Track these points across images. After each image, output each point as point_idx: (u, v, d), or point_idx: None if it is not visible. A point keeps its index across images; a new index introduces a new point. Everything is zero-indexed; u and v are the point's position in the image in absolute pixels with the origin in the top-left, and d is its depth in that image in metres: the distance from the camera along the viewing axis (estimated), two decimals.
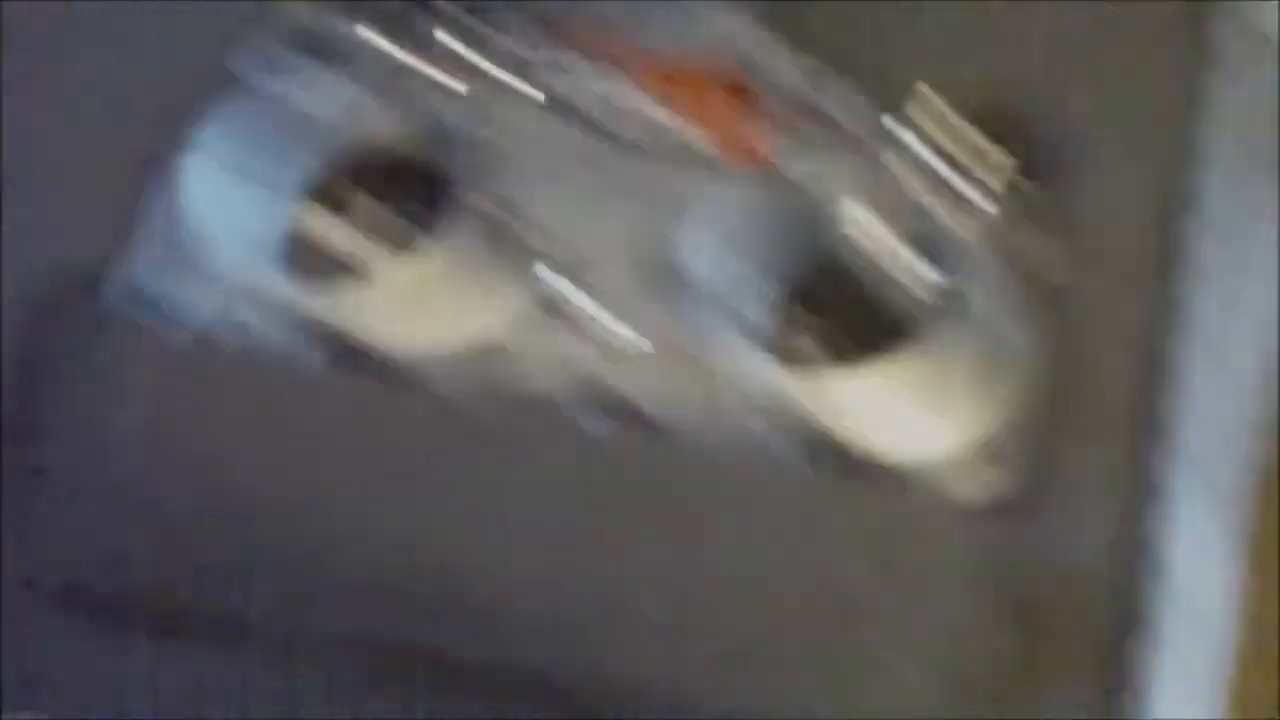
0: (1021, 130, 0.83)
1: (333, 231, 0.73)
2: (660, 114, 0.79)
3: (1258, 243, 0.79)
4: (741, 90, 0.80)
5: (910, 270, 0.76)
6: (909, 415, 0.74)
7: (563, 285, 0.74)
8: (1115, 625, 0.73)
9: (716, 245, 0.76)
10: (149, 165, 0.77)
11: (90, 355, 0.71)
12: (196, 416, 0.70)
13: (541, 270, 0.74)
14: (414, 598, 0.70)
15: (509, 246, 0.75)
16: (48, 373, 0.72)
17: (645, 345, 0.74)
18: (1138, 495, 0.75)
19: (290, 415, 0.70)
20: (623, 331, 0.73)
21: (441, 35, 0.79)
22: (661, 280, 0.75)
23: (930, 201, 0.78)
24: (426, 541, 0.70)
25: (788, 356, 0.75)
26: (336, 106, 0.77)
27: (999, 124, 0.82)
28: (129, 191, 0.77)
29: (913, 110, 0.78)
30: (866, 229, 0.73)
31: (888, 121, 0.78)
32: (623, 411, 0.73)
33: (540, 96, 0.79)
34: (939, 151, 0.78)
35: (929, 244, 0.77)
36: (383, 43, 0.78)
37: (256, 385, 0.70)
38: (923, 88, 0.78)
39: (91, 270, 0.75)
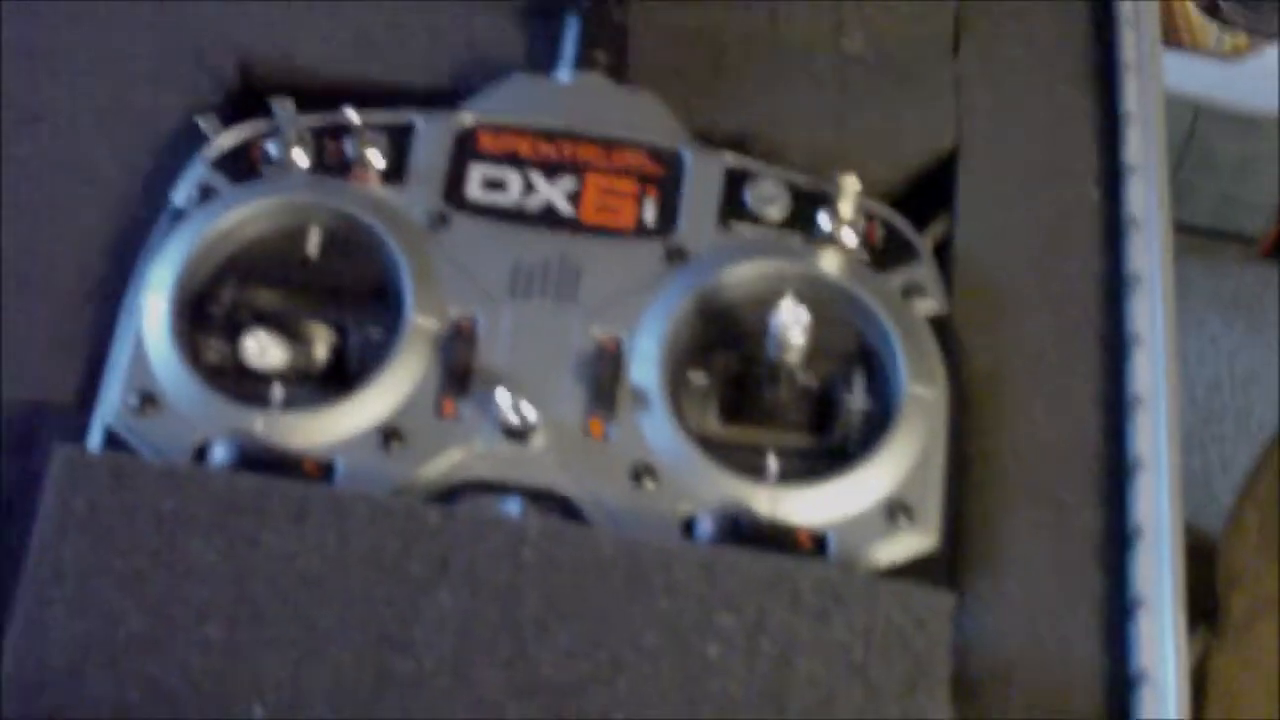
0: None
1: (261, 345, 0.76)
2: (585, 198, 0.82)
3: None
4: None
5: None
6: (826, 482, 0.75)
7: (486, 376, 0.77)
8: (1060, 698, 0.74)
9: (648, 336, 0.78)
10: (104, 299, 0.80)
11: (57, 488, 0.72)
12: (155, 547, 0.71)
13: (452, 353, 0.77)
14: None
15: (421, 338, 0.77)
16: (15, 506, 0.75)
17: (570, 430, 0.76)
18: (1074, 551, 0.77)
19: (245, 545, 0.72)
20: (540, 415, 0.75)
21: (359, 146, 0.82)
22: (587, 366, 0.77)
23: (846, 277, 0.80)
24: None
25: (710, 439, 0.77)
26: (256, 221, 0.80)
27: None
28: (87, 325, 0.80)
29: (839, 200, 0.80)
30: (793, 321, 0.75)
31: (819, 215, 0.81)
32: (541, 497, 0.75)
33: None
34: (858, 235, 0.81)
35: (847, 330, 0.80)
36: (302, 156, 0.82)
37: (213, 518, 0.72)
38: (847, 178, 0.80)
39: (57, 404, 0.78)
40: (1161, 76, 0.89)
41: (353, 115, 0.81)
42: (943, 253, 0.85)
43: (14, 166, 0.84)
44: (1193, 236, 1.44)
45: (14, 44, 0.88)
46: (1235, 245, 1.46)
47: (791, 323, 0.75)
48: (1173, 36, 1.36)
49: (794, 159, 0.87)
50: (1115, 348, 0.81)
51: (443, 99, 0.86)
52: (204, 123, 0.82)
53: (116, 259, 0.81)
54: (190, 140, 0.83)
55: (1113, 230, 0.85)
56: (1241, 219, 1.42)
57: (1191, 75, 1.35)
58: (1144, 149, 0.86)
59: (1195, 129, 1.35)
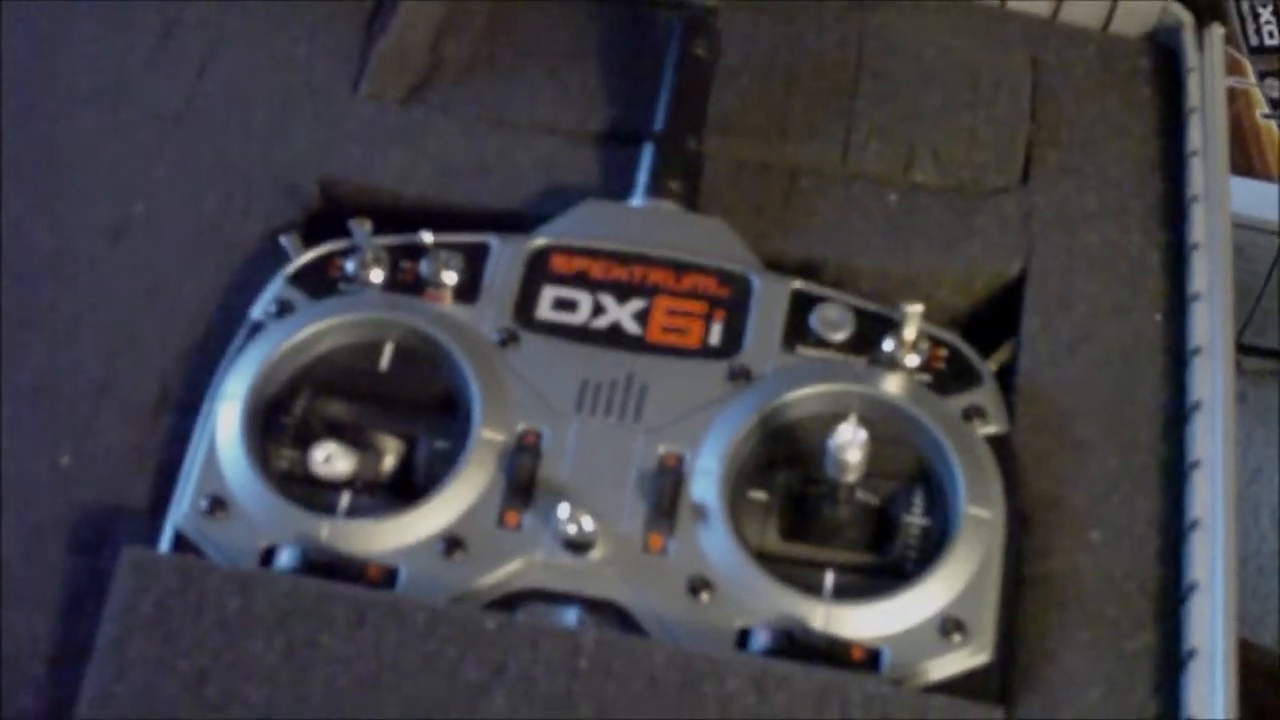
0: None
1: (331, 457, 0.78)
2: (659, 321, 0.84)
3: None
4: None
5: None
6: (882, 599, 0.76)
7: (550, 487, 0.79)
8: None
9: (710, 453, 0.80)
10: (178, 409, 0.83)
11: (125, 586, 0.74)
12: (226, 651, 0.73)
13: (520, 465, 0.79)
14: None
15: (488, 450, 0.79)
16: (90, 607, 0.76)
17: (629, 543, 0.77)
18: (1127, 672, 0.77)
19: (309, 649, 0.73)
20: (600, 528, 0.77)
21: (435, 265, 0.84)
22: (649, 481, 0.79)
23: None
24: None
25: (769, 555, 0.78)
26: (330, 335, 0.82)
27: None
28: (162, 434, 0.83)
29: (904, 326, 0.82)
30: (851, 442, 0.76)
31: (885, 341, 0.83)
32: (599, 607, 0.76)
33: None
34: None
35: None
36: (377, 274, 0.84)
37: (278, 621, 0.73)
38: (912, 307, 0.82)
39: (130, 509, 0.81)
40: (1229, 206, 0.90)
41: (427, 236, 0.83)
42: (1007, 377, 0.86)
43: (97, 279, 0.87)
44: (1278, 361, 1.44)
45: (104, 159, 0.91)
46: None
47: (849, 444, 0.76)
48: (1260, 165, 1.36)
49: (862, 286, 0.89)
50: (1175, 473, 0.82)
51: (519, 224, 0.88)
52: (286, 241, 0.85)
53: (193, 371, 0.84)
54: (272, 259, 0.86)
55: (1176, 358, 0.86)
56: None
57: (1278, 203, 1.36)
58: (1209, 278, 0.87)
59: None
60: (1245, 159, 1.38)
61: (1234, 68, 1.41)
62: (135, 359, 0.85)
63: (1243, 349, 1.46)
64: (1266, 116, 1.40)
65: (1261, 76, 1.41)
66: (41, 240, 0.89)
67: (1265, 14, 1.43)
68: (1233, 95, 1.39)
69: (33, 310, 0.86)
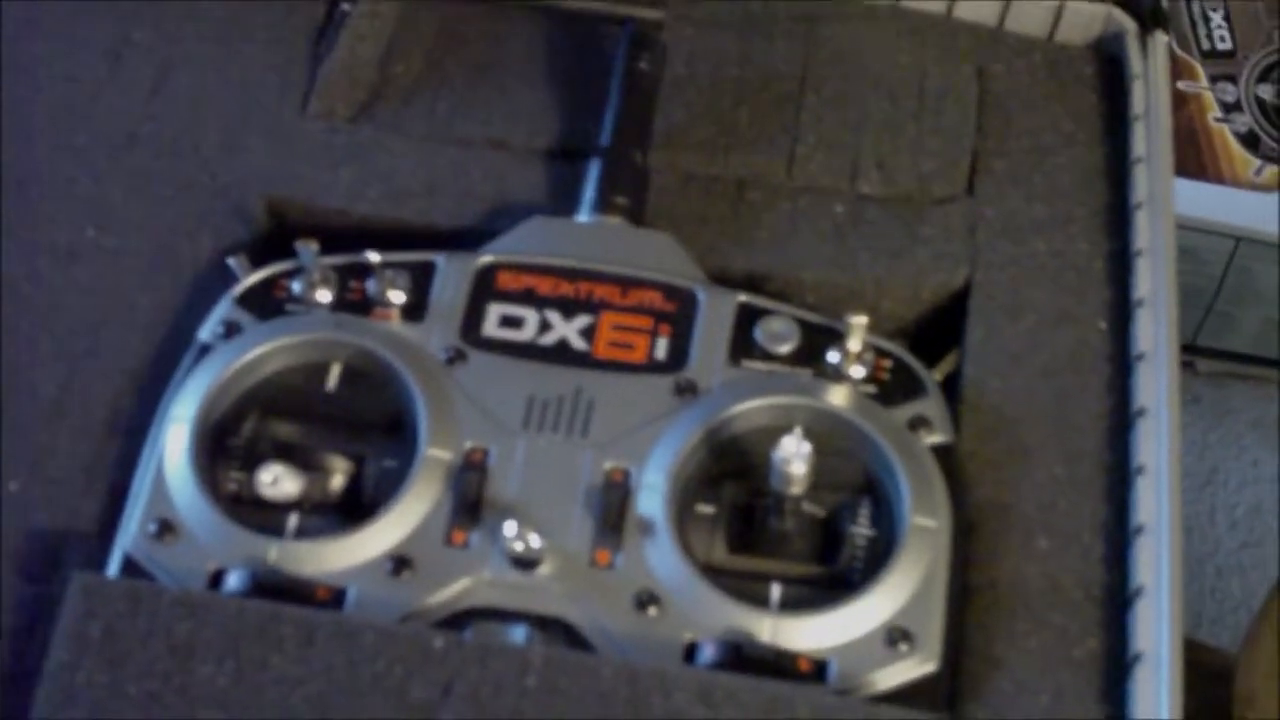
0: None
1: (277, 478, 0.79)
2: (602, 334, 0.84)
3: None
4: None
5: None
6: (828, 610, 0.77)
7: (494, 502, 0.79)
8: None
9: (656, 468, 0.80)
10: (129, 432, 0.83)
11: (74, 612, 0.74)
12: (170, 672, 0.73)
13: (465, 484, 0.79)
14: None
15: (434, 469, 0.80)
16: (40, 633, 0.76)
17: (577, 559, 0.78)
18: (1074, 677, 0.77)
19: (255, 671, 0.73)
20: (547, 544, 0.77)
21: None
22: (596, 496, 0.79)
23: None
24: None
25: (716, 568, 0.79)
26: (276, 356, 0.83)
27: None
28: (113, 457, 0.83)
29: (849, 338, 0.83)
30: (794, 455, 0.77)
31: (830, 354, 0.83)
32: (547, 624, 0.76)
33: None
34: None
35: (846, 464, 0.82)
36: (324, 294, 0.85)
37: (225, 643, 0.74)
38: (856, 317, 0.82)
39: (80, 533, 0.81)
40: (1172, 212, 0.91)
41: (373, 256, 0.84)
42: (953, 387, 0.86)
43: (49, 302, 0.87)
44: (1234, 363, 1.45)
45: (56, 182, 0.92)
46: (1276, 370, 1.47)
47: (793, 456, 0.76)
48: (1212, 169, 1.37)
49: (809, 298, 0.89)
50: (1120, 478, 0.82)
51: (469, 241, 0.89)
52: (234, 262, 0.85)
53: (143, 394, 0.84)
54: (223, 280, 0.86)
55: (1121, 364, 0.86)
56: None
57: (1231, 207, 1.37)
58: (1153, 284, 0.88)
59: (1234, 258, 1.36)
60: (1198, 163, 1.38)
61: (1186, 72, 1.42)
62: (87, 382, 0.85)
63: (1198, 351, 1.47)
64: (1219, 120, 1.40)
65: (1214, 80, 1.42)
66: None
67: (1216, 18, 1.44)
68: (1185, 99, 1.40)
69: None
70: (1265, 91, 1.42)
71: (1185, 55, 1.43)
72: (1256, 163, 1.38)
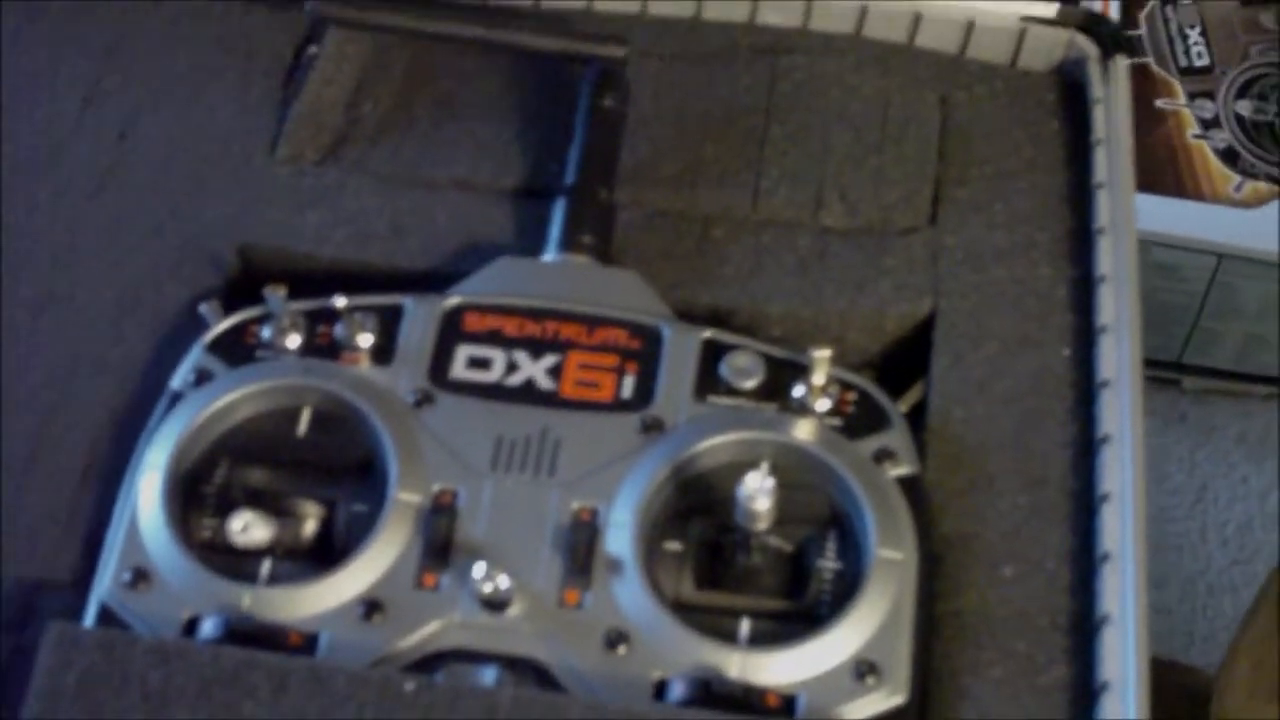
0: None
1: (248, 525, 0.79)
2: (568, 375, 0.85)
3: None
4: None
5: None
6: (796, 645, 0.77)
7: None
8: None
9: (623, 506, 0.81)
10: (104, 480, 0.84)
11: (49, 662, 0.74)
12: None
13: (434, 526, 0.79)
14: None
15: (404, 513, 0.80)
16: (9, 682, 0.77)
17: (546, 599, 0.78)
18: (1041, 706, 0.78)
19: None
20: (516, 585, 0.77)
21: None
22: (564, 536, 0.80)
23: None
24: None
25: (685, 604, 0.79)
26: (246, 403, 0.83)
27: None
28: (88, 506, 0.84)
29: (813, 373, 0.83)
30: (758, 490, 0.78)
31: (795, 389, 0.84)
32: (518, 665, 0.77)
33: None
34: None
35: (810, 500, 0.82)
36: (293, 340, 0.85)
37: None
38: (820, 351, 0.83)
39: (55, 583, 0.82)
40: (1135, 237, 0.91)
41: (340, 300, 0.84)
42: (918, 417, 0.87)
43: (21, 352, 0.88)
44: (1219, 379, 1.46)
45: (29, 231, 0.93)
46: (1261, 385, 1.47)
47: (757, 492, 0.77)
48: (1192, 186, 1.38)
49: (774, 331, 0.90)
50: (1085, 506, 0.83)
51: (437, 282, 0.89)
52: (205, 309, 0.86)
53: (117, 442, 0.85)
54: (195, 327, 0.87)
55: (1084, 391, 0.87)
56: (1266, 360, 1.43)
57: (1212, 223, 1.37)
58: (1116, 310, 0.88)
59: (1217, 275, 1.37)
60: (1177, 180, 1.39)
61: (1164, 89, 1.42)
62: (60, 432, 0.86)
63: (1183, 369, 1.48)
64: (1197, 137, 1.41)
65: (1191, 97, 1.43)
66: None
67: (1194, 35, 1.45)
68: (1163, 117, 1.41)
69: None
70: (1243, 107, 1.42)
71: (1163, 72, 1.44)
72: (1236, 178, 1.39)
